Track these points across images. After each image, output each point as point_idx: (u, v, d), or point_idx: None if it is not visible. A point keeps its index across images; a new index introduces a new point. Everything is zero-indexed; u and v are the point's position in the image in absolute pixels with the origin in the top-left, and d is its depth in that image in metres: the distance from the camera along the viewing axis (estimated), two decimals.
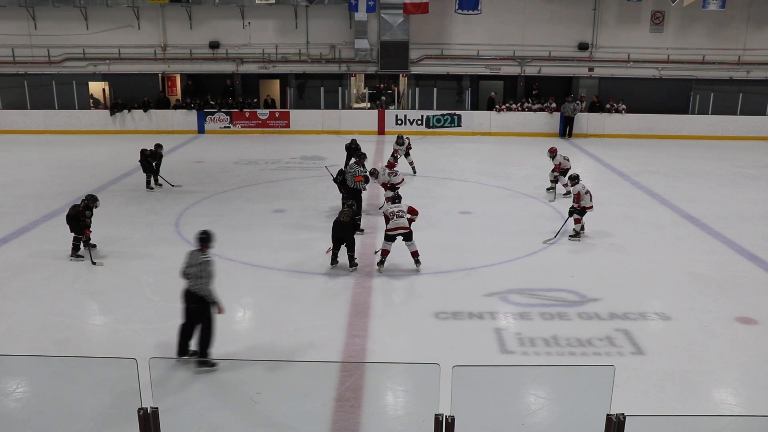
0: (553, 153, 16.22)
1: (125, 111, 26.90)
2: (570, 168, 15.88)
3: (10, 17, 27.71)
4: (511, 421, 6.23)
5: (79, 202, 11.92)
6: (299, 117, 26.80)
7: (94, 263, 11.37)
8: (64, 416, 6.39)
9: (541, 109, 26.25)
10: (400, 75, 27.96)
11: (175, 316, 9.33)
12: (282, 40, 27.56)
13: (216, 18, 27.55)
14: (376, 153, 22.03)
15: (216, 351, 7.82)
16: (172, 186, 16.68)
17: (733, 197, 16.50)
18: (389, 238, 10.89)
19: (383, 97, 27.73)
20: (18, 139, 24.86)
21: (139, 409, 4.43)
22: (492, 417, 5.96)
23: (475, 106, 27.49)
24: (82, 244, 11.69)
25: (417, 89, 27.30)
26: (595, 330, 8.89)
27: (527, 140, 25.02)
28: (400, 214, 10.85)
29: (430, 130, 26.19)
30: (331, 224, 10.99)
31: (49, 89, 27.62)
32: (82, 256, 11.62)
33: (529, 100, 26.89)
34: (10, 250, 12.22)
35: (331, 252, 11.00)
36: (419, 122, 26.24)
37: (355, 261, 11.01)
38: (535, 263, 11.55)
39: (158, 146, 16.81)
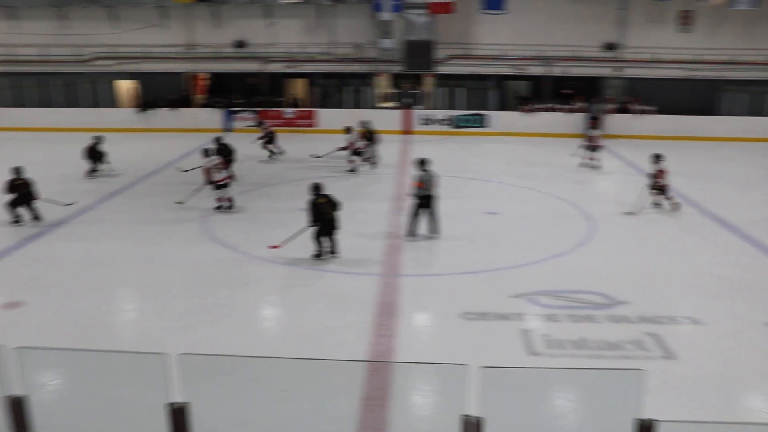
0: (658, 158, 14.99)
1: (153, 109, 27.15)
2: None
3: (41, 17, 28.16)
4: (539, 424, 6.17)
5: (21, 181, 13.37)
6: (325, 116, 26.86)
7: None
8: (95, 409, 6.44)
9: (570, 110, 26.05)
10: (426, 75, 27.91)
11: (202, 311, 9.43)
12: (307, 39, 27.65)
13: (242, 17, 27.71)
14: (401, 153, 22.01)
15: (244, 349, 7.85)
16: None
17: (764, 200, 16.27)
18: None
19: (405, 98, 27.60)
20: (48, 137, 25.15)
21: (169, 404, 4.45)
22: (519, 419, 5.91)
23: (501, 107, 27.36)
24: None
25: (443, 89, 27.23)
26: (624, 333, 8.80)
27: (552, 141, 24.86)
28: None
29: (456, 130, 26.13)
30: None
31: (78, 88, 27.94)
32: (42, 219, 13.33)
33: (559, 100, 26.62)
34: (42, 245, 12.39)
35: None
36: (445, 122, 26.18)
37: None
38: (563, 265, 11.46)
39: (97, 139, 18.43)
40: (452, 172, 18.69)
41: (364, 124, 20.27)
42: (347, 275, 10.84)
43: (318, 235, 11.25)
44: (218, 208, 14.61)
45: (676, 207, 14.68)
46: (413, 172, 12.49)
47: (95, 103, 28.09)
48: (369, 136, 19.91)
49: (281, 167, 19.54)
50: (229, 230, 13.23)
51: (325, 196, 11.20)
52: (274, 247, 11.62)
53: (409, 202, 12.44)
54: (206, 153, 14.93)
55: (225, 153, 16.68)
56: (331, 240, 11.37)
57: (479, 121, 26.16)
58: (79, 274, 10.95)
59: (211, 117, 27.11)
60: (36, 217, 13.60)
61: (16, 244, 12.39)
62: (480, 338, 8.71)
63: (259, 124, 20.98)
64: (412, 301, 10.01)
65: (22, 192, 13.44)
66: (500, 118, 26.32)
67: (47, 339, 8.46)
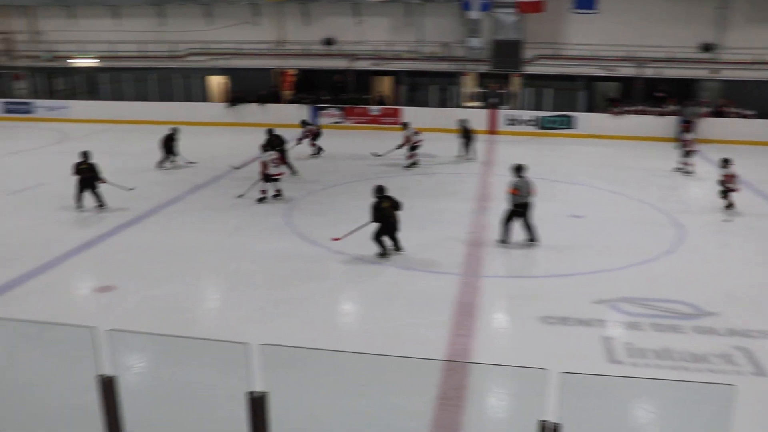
0: (726, 162, 14.92)
1: (242, 104, 27.82)
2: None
3: (141, 15, 29.38)
4: None
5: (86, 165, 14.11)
6: (410, 114, 26.83)
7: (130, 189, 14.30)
8: (177, 393, 6.66)
9: (662, 113, 25.23)
10: (513, 74, 27.58)
11: (282, 303, 9.60)
12: (395, 37, 27.74)
13: (331, 15, 28.05)
14: (486, 153, 21.83)
15: (321, 343, 7.94)
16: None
17: None
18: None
19: (492, 98, 27.25)
20: (143, 129, 26.08)
21: (249, 393, 4.55)
22: (598, 428, 5.78)
23: (589, 108, 26.73)
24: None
25: (529, 89, 26.81)
26: (712, 346, 8.47)
27: (643, 144, 24.14)
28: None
29: (543, 131, 25.71)
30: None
31: (172, 83, 28.90)
32: (106, 206, 14.18)
33: (651, 102, 25.82)
34: (133, 233, 12.88)
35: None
36: (531, 123, 25.80)
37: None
38: (648, 272, 11.12)
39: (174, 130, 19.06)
40: (537, 174, 18.35)
41: (462, 122, 20.81)
42: (428, 273, 10.83)
43: (378, 236, 11.29)
44: (261, 199, 15.02)
45: (730, 207, 14.48)
46: (509, 179, 12.23)
47: (188, 98, 28.98)
48: (466, 133, 20.39)
49: (364, 165, 19.65)
50: (311, 224, 13.42)
51: (389, 198, 11.28)
52: (336, 239, 11.83)
53: (504, 209, 12.22)
54: (264, 148, 15.48)
55: (276, 144, 17.14)
56: (394, 239, 11.43)
57: (566, 123, 25.66)
58: (166, 262, 11.34)
59: (298, 112, 27.54)
60: (100, 204, 14.23)
61: (108, 231, 12.93)
62: (559, 343, 8.55)
63: (305, 124, 21.00)
64: (492, 302, 9.93)
65: (85, 176, 14.11)
66: (588, 120, 25.73)
67: (134, 323, 8.79)
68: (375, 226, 11.27)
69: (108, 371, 4.70)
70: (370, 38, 27.88)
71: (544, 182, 17.51)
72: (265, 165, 14.90)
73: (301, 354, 7.89)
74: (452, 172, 18.90)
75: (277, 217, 13.91)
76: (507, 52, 26.38)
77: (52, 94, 30.93)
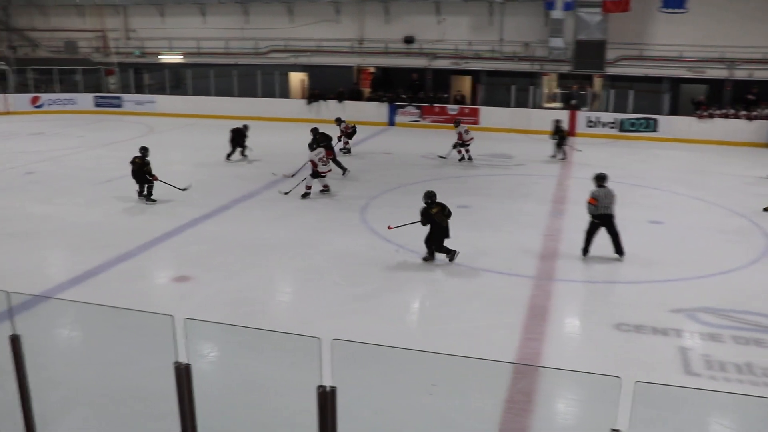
0: None
1: (321, 101, 28.17)
2: None
3: (226, 12, 30.19)
4: None
5: (138, 160, 14.54)
6: (488, 114, 26.71)
7: (184, 189, 14.69)
8: (247, 384, 6.81)
9: (753, 117, 24.17)
10: (595, 75, 27.02)
11: (355, 299, 9.68)
12: (475, 36, 27.59)
13: (412, 14, 28.10)
14: (565, 154, 21.46)
15: (392, 340, 7.98)
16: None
17: None
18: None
19: (574, 101, 26.76)
20: (226, 124, 26.72)
21: (319, 387, 4.61)
22: None
23: (673, 111, 25.91)
24: (146, 191, 14.51)
25: (612, 91, 26.18)
26: None
27: (730, 150, 23.28)
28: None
29: (624, 133, 25.09)
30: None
31: (254, 79, 29.51)
32: (155, 200, 14.50)
33: (741, 106, 24.80)
34: (211, 225, 13.22)
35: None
36: (612, 125, 25.21)
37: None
38: (731, 282, 10.71)
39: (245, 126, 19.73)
40: (616, 177, 17.95)
41: (556, 122, 20.82)
42: (500, 275, 10.74)
43: (429, 240, 11.15)
44: (305, 194, 15.12)
45: None
46: (589, 185, 11.63)
47: (269, 94, 29.54)
48: (560, 134, 20.36)
49: (440, 164, 19.62)
50: (385, 221, 13.45)
51: (439, 204, 11.07)
52: (391, 228, 12.08)
53: (586, 219, 11.86)
54: (311, 146, 16.01)
55: (323, 141, 17.36)
56: (441, 245, 11.15)
57: (648, 126, 24.97)
58: (242, 254, 11.59)
59: (377, 110, 27.73)
60: (145, 196, 14.62)
61: (188, 223, 13.31)
62: (633, 351, 8.34)
63: (339, 121, 21.12)
64: (565, 306, 9.77)
65: (133, 168, 14.55)
66: (672, 124, 24.97)
67: (209, 312, 9.02)
68: (427, 229, 11.16)
69: (183, 359, 4.84)
70: (451, 37, 27.80)
71: (623, 186, 17.10)
72: (314, 163, 15.09)
73: (372, 350, 7.96)
74: (528, 173, 18.68)
75: (353, 213, 14.03)
76: (589, 53, 25.88)
77: (140, 89, 32.07)
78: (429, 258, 11.19)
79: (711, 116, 24.56)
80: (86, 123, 28.13)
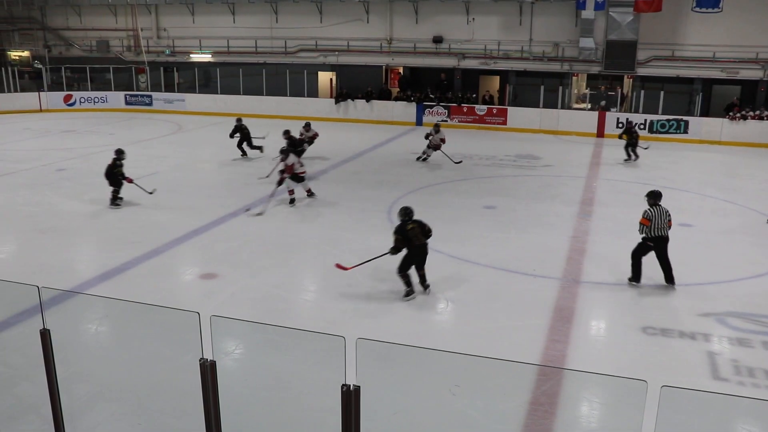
0: None
1: (349, 100, 28.24)
2: None
3: (256, 12, 30.41)
4: None
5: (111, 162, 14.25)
6: (517, 114, 26.56)
7: (150, 192, 14.40)
8: (271, 381, 6.86)
9: None
10: (625, 76, 26.75)
11: (380, 298, 9.70)
12: (505, 36, 27.47)
13: (441, 13, 28.06)
14: (593, 156, 21.31)
15: (416, 340, 7.99)
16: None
17: None
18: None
19: (603, 102, 26.47)
20: (252, 123, 26.90)
21: (343, 385, 4.62)
22: None
23: (705, 113, 25.54)
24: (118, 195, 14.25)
25: (642, 92, 25.86)
26: None
27: (763, 152, 22.90)
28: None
29: (653, 135, 24.75)
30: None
31: (283, 78, 29.67)
32: (120, 205, 14.24)
33: None
34: (238, 224, 13.32)
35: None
36: (642, 127, 24.91)
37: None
38: (761, 286, 10.54)
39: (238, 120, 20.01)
40: (645, 179, 17.83)
41: (628, 124, 20.82)
42: (525, 276, 10.69)
43: (404, 268, 9.68)
44: (292, 201, 14.71)
45: None
46: (644, 208, 10.57)
47: (297, 93, 29.67)
48: (631, 135, 20.01)
49: (471, 164, 19.55)
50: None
51: (417, 221, 9.77)
52: (343, 268, 10.12)
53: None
54: (286, 150, 15.14)
55: (297, 144, 17.69)
56: (420, 271, 9.80)
57: (679, 127, 24.65)
58: (268, 252, 11.67)
59: (404, 110, 27.72)
60: (111, 199, 14.36)
61: (215, 220, 13.41)
62: (660, 355, 8.25)
63: (309, 127, 20.19)
64: (591, 308, 9.69)
65: (107, 172, 14.29)
66: (703, 125, 24.60)
67: (235, 310, 9.09)
68: (401, 256, 9.71)
69: (209, 355, 4.88)
70: (480, 37, 27.72)
71: (652, 188, 16.92)
72: (292, 166, 14.61)
73: (396, 350, 7.97)
74: (555, 174, 18.55)
75: (379, 213, 14.04)
76: (620, 53, 25.65)
77: (170, 88, 32.40)
78: (409, 292, 9.72)
79: (744, 118, 24.16)
80: (117, 121, 28.49)
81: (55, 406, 5.40)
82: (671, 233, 10.32)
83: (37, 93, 30.80)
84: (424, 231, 9.69)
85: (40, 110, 30.32)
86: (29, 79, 32.42)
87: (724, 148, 23.71)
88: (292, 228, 13.17)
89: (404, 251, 9.67)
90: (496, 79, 28.79)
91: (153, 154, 20.54)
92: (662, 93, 25.15)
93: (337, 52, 29.49)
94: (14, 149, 21.21)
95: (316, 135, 19.75)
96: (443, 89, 28.05)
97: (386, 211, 14.26)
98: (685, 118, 24.76)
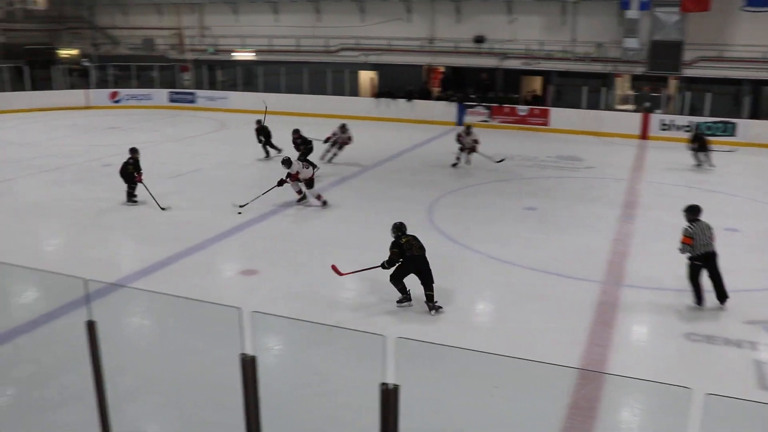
0: None
1: (390, 99, 28.27)
2: None
3: (298, 11, 30.64)
4: None
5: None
6: (559, 115, 26.30)
7: (162, 209, 13.89)
8: (310, 378, 6.89)
9: None
10: (670, 77, 26.28)
11: (421, 298, 9.67)
12: (547, 36, 27.21)
13: (483, 13, 27.92)
14: (636, 158, 20.99)
15: (454, 341, 7.95)
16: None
17: None
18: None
19: (647, 103, 25.98)
20: (293, 121, 27.06)
21: (382, 384, 4.62)
22: None
23: (754, 115, 24.95)
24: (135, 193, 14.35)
25: (687, 93, 25.37)
26: None
27: None
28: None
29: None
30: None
31: (324, 77, 29.80)
32: (136, 202, 14.33)
33: None
34: (278, 221, 13.43)
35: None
36: (687, 129, 24.44)
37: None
38: None
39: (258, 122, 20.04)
40: (690, 182, 17.52)
41: (697, 130, 20.50)
42: (566, 279, 10.57)
43: (397, 278, 9.41)
44: (301, 199, 14.57)
45: None
46: (683, 224, 9.75)
47: (338, 91, 29.76)
48: (700, 141, 19.46)
49: (512, 164, 19.40)
50: (451, 221, 13.43)
51: (410, 236, 9.58)
52: (338, 271, 9.79)
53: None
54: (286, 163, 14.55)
55: (304, 145, 17.70)
56: (428, 291, 9.31)
57: (726, 130, 24.12)
58: (307, 250, 11.73)
59: (445, 110, 27.65)
60: (128, 195, 14.48)
61: (256, 218, 13.54)
62: (704, 363, 8.10)
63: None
64: (632, 313, 9.55)
65: (121, 169, 14.46)
66: (751, 128, 24.02)
67: (275, 306, 9.16)
68: (396, 266, 9.43)
69: (249, 351, 4.92)
70: (522, 37, 27.49)
71: (698, 192, 16.65)
72: (296, 175, 14.20)
73: (435, 350, 7.95)
74: (598, 176, 18.32)
75: (420, 214, 14.00)
76: (665, 54, 25.18)
77: (213, 86, 32.78)
78: (405, 298, 9.51)
79: None
80: (161, 118, 28.93)
81: (101, 397, 5.49)
82: (717, 237, 10.02)
83: (84, 90, 31.41)
84: (419, 244, 9.50)
85: (87, 107, 30.91)
86: (77, 76, 33.07)
87: None
88: (332, 226, 13.22)
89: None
90: (539, 80, 28.54)
91: (196, 152, 20.80)
92: (709, 95, 24.61)
93: (378, 51, 29.52)
94: (62, 144, 21.66)
95: (349, 139, 19.17)
96: (484, 89, 27.90)
97: (426, 211, 14.24)
98: (732, 120, 24.22)
